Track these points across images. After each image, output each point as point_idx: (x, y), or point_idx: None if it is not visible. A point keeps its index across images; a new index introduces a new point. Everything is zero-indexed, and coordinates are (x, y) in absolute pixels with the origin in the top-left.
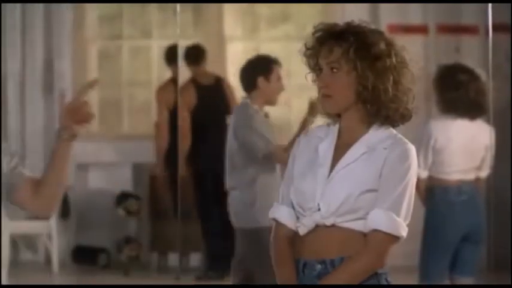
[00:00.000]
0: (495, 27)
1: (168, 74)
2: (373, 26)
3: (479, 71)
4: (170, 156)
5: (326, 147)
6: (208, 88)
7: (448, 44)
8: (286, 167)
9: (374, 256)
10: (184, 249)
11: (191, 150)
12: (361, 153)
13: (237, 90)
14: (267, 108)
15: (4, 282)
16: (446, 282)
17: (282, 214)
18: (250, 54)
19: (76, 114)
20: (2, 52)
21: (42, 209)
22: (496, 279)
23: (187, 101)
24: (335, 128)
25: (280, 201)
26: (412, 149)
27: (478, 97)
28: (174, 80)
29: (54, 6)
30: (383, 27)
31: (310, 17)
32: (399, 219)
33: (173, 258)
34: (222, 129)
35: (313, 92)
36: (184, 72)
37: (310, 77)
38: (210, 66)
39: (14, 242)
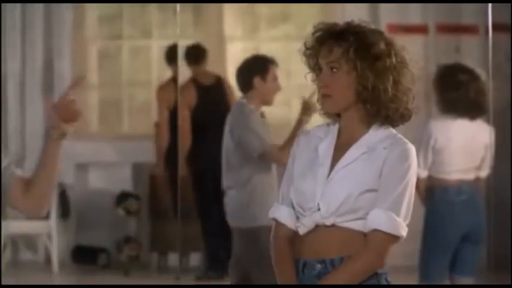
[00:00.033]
0: (495, 27)
1: (168, 73)
2: (373, 26)
3: (479, 71)
4: (170, 156)
5: (326, 147)
6: (209, 88)
7: (448, 44)
8: (283, 166)
9: (374, 256)
10: (184, 249)
11: (191, 150)
12: (361, 153)
13: (237, 90)
14: (265, 109)
15: None
16: (446, 282)
17: (282, 214)
18: (250, 54)
19: (64, 113)
20: (2, 52)
21: (33, 208)
22: (496, 279)
23: (188, 101)
24: (335, 128)
25: (280, 201)
26: (412, 148)
27: (478, 97)
28: (174, 80)
29: (54, 6)
30: (383, 27)
31: (310, 17)
32: (399, 219)
33: (173, 258)
34: (222, 129)
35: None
36: (185, 72)
37: (310, 76)
38: (210, 66)
39: (14, 242)
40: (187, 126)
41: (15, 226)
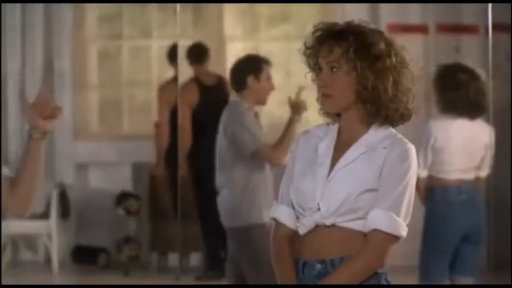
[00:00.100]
0: (495, 27)
1: (169, 73)
2: (373, 26)
3: (479, 71)
4: (170, 156)
5: (325, 147)
6: (210, 88)
7: (448, 44)
8: (275, 166)
9: (374, 256)
10: (184, 249)
11: (192, 149)
12: (361, 153)
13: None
14: (265, 109)
15: None
16: (446, 282)
17: (282, 214)
18: (244, 54)
19: (43, 111)
20: (2, 52)
21: (17, 209)
22: (496, 279)
23: (189, 100)
24: (334, 128)
25: (279, 201)
26: (412, 148)
27: (478, 97)
28: (176, 79)
29: (54, 6)
30: (383, 26)
31: (310, 17)
32: (399, 219)
33: (173, 258)
34: None
35: (313, 92)
36: (186, 72)
37: (310, 76)
38: (210, 66)
39: (14, 242)
40: (187, 126)
41: (15, 226)
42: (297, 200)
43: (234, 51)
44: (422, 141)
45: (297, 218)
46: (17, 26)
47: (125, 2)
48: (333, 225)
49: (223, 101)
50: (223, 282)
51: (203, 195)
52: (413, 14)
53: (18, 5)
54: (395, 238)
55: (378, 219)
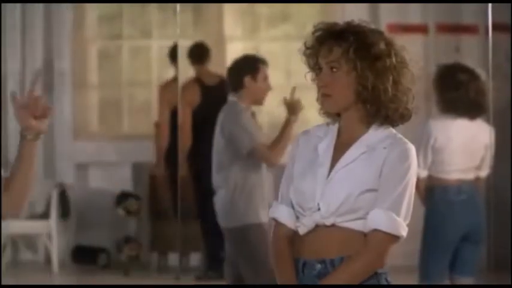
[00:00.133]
0: (495, 27)
1: (169, 73)
2: (373, 26)
3: (479, 71)
4: (170, 156)
5: (325, 147)
6: (212, 88)
7: (448, 44)
8: (272, 166)
9: (374, 256)
10: (184, 249)
11: (192, 149)
12: (361, 153)
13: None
14: (265, 109)
15: None
16: (446, 282)
17: (282, 214)
18: (241, 54)
19: (34, 111)
20: (2, 52)
21: (9, 209)
22: (496, 279)
23: (190, 100)
24: (334, 128)
25: (279, 201)
26: (412, 148)
27: (478, 97)
28: (177, 79)
29: (54, 6)
30: (383, 26)
31: (310, 17)
32: (399, 219)
33: (173, 258)
34: None
35: (313, 92)
36: (186, 72)
37: (310, 76)
38: (210, 66)
39: (14, 242)
40: (188, 126)
41: (15, 226)
42: (297, 200)
43: (234, 51)
44: (422, 141)
45: (297, 218)
46: (17, 26)
47: (125, 2)
48: (333, 225)
49: (224, 101)
50: (223, 282)
51: (203, 195)
52: (413, 14)
53: (18, 5)
54: (395, 238)
55: (378, 219)
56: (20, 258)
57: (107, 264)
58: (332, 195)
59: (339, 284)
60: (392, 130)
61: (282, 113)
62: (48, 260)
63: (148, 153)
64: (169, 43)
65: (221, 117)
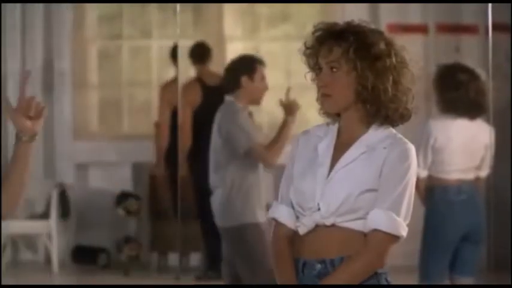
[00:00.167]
0: (495, 27)
1: (169, 72)
2: (373, 26)
3: (479, 71)
4: (170, 156)
5: (325, 147)
6: (213, 88)
7: (448, 44)
8: (269, 166)
9: (374, 256)
10: (184, 249)
11: (192, 149)
12: (361, 153)
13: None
14: (265, 109)
15: None
16: (446, 282)
17: (282, 214)
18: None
19: (27, 112)
20: (2, 52)
21: (3, 209)
22: (496, 279)
23: (192, 100)
24: (334, 128)
25: (279, 201)
26: (412, 148)
27: (478, 97)
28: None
29: (54, 6)
30: (383, 26)
31: (310, 17)
32: (399, 219)
33: (173, 258)
34: None
35: (313, 92)
36: (187, 72)
37: (310, 76)
38: (210, 66)
39: (14, 242)
40: (188, 126)
41: (15, 226)
42: (297, 200)
43: (234, 51)
44: (422, 141)
45: (297, 217)
46: (17, 26)
47: (125, 2)
48: (333, 225)
49: None
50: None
51: (203, 195)
52: (413, 14)
53: (18, 5)
54: (395, 238)
55: (378, 219)
56: (20, 258)
57: (107, 264)
58: (332, 195)
59: (339, 284)
60: (392, 130)
61: (281, 113)
62: (48, 260)
63: (148, 153)
64: (169, 43)
65: (218, 117)
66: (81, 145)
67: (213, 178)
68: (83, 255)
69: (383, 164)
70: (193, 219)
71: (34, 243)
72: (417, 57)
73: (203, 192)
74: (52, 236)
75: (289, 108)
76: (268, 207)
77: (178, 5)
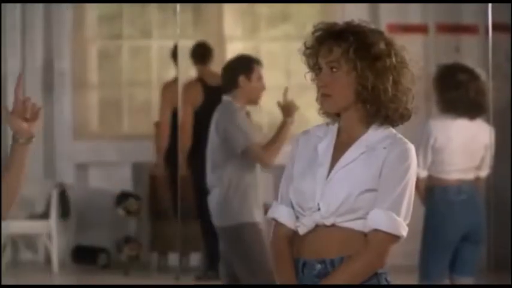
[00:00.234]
0: (495, 27)
1: (169, 72)
2: (372, 26)
3: (479, 71)
4: (170, 155)
5: (325, 147)
6: (214, 89)
7: (448, 44)
8: (266, 166)
9: (374, 256)
10: (184, 249)
11: (192, 149)
12: (361, 153)
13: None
14: (264, 109)
15: None
16: (446, 282)
17: (282, 214)
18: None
19: (23, 114)
20: (2, 52)
21: None
22: (496, 279)
23: (193, 100)
24: (334, 128)
25: (279, 201)
26: (412, 148)
27: (478, 97)
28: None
29: (54, 6)
30: (383, 26)
31: (310, 17)
32: (399, 218)
33: (173, 258)
34: None
35: (313, 92)
36: (187, 72)
37: (309, 76)
38: (211, 66)
39: (14, 242)
40: (189, 125)
41: (15, 226)
42: (297, 200)
43: (234, 51)
44: (422, 141)
45: (297, 218)
46: (17, 26)
47: (125, 2)
48: (332, 225)
49: None
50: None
51: (203, 195)
52: (413, 14)
53: (18, 5)
54: (395, 238)
55: (378, 219)
56: (20, 258)
57: (107, 264)
58: (332, 195)
59: (339, 284)
60: (392, 130)
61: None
62: (48, 260)
63: (148, 153)
64: (169, 43)
65: (216, 117)
66: (81, 145)
67: (211, 178)
68: (83, 255)
69: (383, 164)
70: (193, 219)
71: (34, 243)
72: (417, 57)
73: (203, 192)
74: (52, 236)
75: (287, 109)
76: (265, 206)
77: (178, 5)
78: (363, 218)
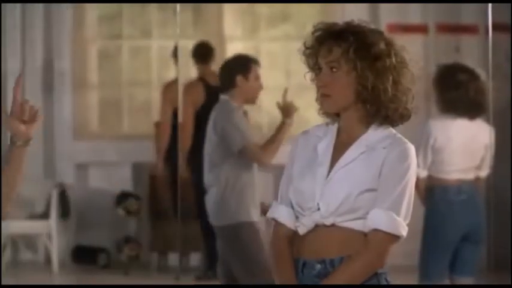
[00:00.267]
0: (495, 27)
1: (170, 72)
2: (372, 26)
3: (479, 71)
4: (170, 155)
5: (325, 147)
6: (216, 89)
7: (448, 44)
8: (263, 166)
9: (374, 256)
10: (184, 249)
11: (192, 148)
12: (360, 153)
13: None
14: (264, 109)
15: None
16: (446, 282)
17: (281, 214)
18: (233, 54)
19: (22, 116)
20: (2, 51)
21: None
22: (496, 279)
23: (195, 100)
24: (334, 128)
25: (279, 201)
26: (412, 148)
27: (478, 97)
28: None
29: (54, 6)
30: (383, 26)
31: (310, 17)
32: (399, 218)
33: (173, 258)
34: None
35: (313, 92)
36: (188, 72)
37: (309, 76)
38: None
39: (14, 242)
40: (189, 125)
41: (15, 226)
42: (297, 200)
43: (234, 51)
44: (422, 141)
45: (297, 217)
46: (17, 26)
47: (125, 2)
48: (332, 225)
49: None
50: None
51: (203, 195)
52: (413, 14)
53: (18, 5)
54: (395, 238)
55: (378, 219)
56: (20, 258)
57: (107, 264)
58: (331, 195)
59: (339, 284)
60: (392, 130)
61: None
62: (48, 260)
63: (148, 153)
64: (169, 43)
65: (213, 116)
66: (81, 145)
67: (208, 177)
68: (83, 255)
69: (382, 164)
70: (193, 219)
71: (34, 243)
72: (417, 57)
73: (203, 192)
74: (52, 236)
75: (286, 110)
76: (261, 206)
77: (178, 5)
78: (363, 217)
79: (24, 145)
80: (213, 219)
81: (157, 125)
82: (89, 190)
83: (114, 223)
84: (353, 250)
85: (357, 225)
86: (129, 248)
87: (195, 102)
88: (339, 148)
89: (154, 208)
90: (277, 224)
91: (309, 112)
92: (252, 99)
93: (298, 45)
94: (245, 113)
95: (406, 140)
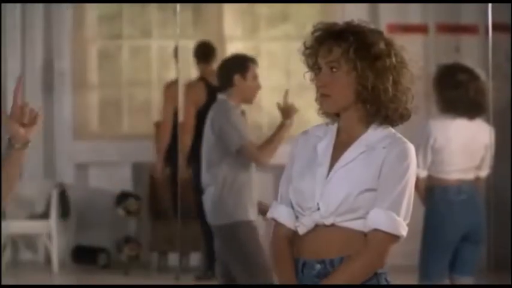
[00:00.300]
0: (495, 27)
1: (170, 72)
2: (372, 26)
3: (479, 71)
4: (171, 155)
5: (325, 147)
6: (217, 89)
7: (448, 44)
8: (261, 166)
9: (374, 256)
10: (184, 249)
11: (193, 148)
12: (360, 153)
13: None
14: (264, 109)
15: None
16: (446, 282)
17: (281, 214)
18: (231, 53)
19: (21, 119)
20: (2, 51)
21: None
22: (496, 279)
23: (196, 100)
24: (334, 127)
25: (279, 201)
26: (411, 148)
27: (478, 97)
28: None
29: (54, 6)
30: (382, 26)
31: (310, 17)
32: (399, 218)
33: (173, 258)
34: None
35: (313, 92)
36: (188, 72)
37: (309, 76)
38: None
39: (14, 242)
40: (190, 125)
41: (15, 226)
42: (296, 200)
43: (234, 51)
44: (421, 141)
45: (297, 217)
46: (17, 26)
47: (125, 2)
48: (332, 225)
49: None
50: None
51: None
52: (413, 14)
53: (18, 5)
54: (395, 238)
55: (378, 219)
56: (20, 258)
57: (107, 264)
58: (331, 195)
59: (339, 284)
60: (392, 130)
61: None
62: (48, 260)
63: (148, 153)
64: (169, 43)
65: (211, 115)
66: (81, 145)
67: (205, 176)
68: (83, 255)
69: (382, 164)
70: (193, 219)
71: (34, 243)
72: (417, 57)
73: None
74: (52, 236)
75: (287, 111)
76: (259, 205)
77: (178, 5)
78: (363, 217)
79: (22, 148)
80: (211, 219)
81: (157, 125)
82: (89, 190)
83: (114, 223)
84: (353, 250)
85: (356, 225)
86: (129, 248)
87: (196, 102)
88: (339, 148)
89: (154, 208)
90: (277, 224)
91: (309, 112)
92: (249, 99)
93: (298, 45)
94: (243, 113)
95: (405, 140)
